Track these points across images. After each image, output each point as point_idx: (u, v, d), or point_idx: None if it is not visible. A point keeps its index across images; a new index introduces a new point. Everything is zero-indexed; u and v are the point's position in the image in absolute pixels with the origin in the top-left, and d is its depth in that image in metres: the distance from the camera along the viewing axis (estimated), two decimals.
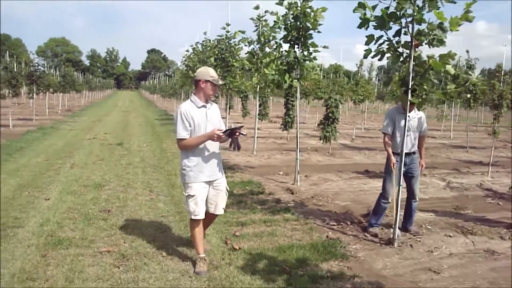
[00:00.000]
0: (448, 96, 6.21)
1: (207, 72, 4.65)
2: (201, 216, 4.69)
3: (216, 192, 4.81)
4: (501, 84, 11.78)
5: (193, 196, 4.62)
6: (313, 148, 15.04)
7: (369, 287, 4.45)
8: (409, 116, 5.90)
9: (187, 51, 18.99)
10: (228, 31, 15.10)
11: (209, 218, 4.98)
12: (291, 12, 8.52)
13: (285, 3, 8.60)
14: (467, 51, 15.48)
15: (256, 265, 4.82)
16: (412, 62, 5.44)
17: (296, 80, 8.63)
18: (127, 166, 10.34)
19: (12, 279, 4.20)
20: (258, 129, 18.98)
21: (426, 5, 5.25)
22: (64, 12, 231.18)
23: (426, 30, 5.28)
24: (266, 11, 10.49)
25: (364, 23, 5.39)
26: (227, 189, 4.93)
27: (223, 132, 4.48)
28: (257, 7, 10.75)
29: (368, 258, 5.31)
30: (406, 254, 5.52)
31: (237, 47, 14.08)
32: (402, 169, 5.79)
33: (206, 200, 4.78)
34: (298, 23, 8.42)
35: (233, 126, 4.70)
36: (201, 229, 4.79)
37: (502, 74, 12.19)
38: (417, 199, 6.41)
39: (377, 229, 6.24)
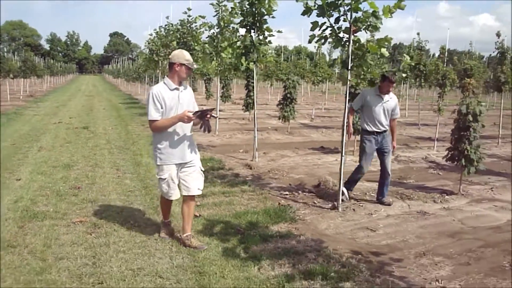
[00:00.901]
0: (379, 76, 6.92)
1: (183, 56, 4.68)
2: (175, 197, 4.90)
3: (188, 173, 4.83)
4: (445, 65, 12.68)
5: (164, 179, 4.77)
6: (274, 127, 15.73)
7: (312, 243, 5.14)
8: (383, 99, 6.71)
9: (150, 35, 19.27)
10: (189, 16, 15.53)
11: (187, 202, 4.91)
12: None
13: None
14: (418, 34, 16.39)
15: (214, 228, 5.45)
16: (351, 46, 6.11)
17: (252, 63, 9.21)
18: (94, 148, 10.76)
19: None
20: (221, 110, 19.58)
21: None
22: None
23: (362, 18, 5.95)
24: None
25: (307, 11, 6.03)
26: (201, 169, 4.98)
27: (194, 114, 4.54)
28: None
29: (314, 220, 6.01)
30: (348, 216, 6.25)
31: (198, 31, 14.54)
32: (374, 146, 6.78)
33: (180, 182, 4.88)
34: (254, 9, 8.97)
35: (204, 108, 4.75)
36: (170, 202, 5.11)
37: (446, 55, 13.07)
38: (390, 174, 6.96)
39: (348, 193, 6.98)
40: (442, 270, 4.65)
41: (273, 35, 9.34)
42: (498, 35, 12.28)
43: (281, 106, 13.69)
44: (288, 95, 13.42)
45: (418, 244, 5.33)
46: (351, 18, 5.98)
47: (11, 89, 29.36)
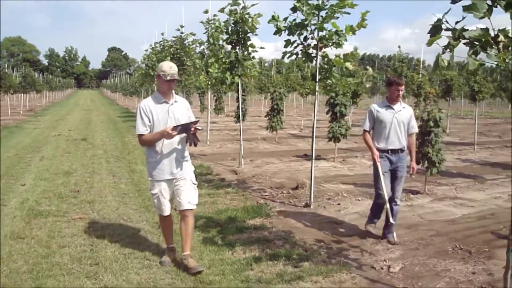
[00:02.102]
0: (349, 86, 7.72)
1: (160, 67, 4.60)
2: (167, 213, 4.81)
3: (179, 187, 4.69)
4: (420, 76, 13.53)
5: (155, 194, 4.74)
6: (263, 137, 16.52)
7: (282, 234, 5.89)
8: (393, 109, 5.68)
9: (146, 50, 20.15)
10: (182, 33, 16.39)
11: (184, 218, 4.72)
12: (232, 18, 9.89)
13: (227, 10, 9.94)
14: (399, 47, 17.27)
15: (197, 223, 6.18)
16: (318, 61, 6.92)
17: (237, 77, 10.02)
18: (92, 157, 11.52)
19: (5, 238, 5.44)
20: (214, 122, 20.35)
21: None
22: (19, 11, 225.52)
23: (327, 36, 6.77)
24: (214, 15, 11.80)
25: (278, 31, 6.85)
26: (193, 182, 4.81)
27: (174, 128, 4.39)
28: (206, 11, 12.05)
29: (287, 216, 6.77)
30: (318, 213, 7.01)
31: (190, 47, 15.40)
32: (390, 167, 5.73)
33: (172, 197, 4.81)
34: (238, 27, 9.80)
35: (185, 122, 4.61)
36: (169, 223, 4.95)
37: (421, 67, 13.91)
38: (399, 203, 5.92)
39: (373, 226, 6.12)
40: (392, 254, 5.40)
41: (256, 51, 10.16)
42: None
43: (269, 117, 14.49)
44: (275, 106, 14.25)
45: (377, 235, 6.07)
46: (317, 36, 6.80)
47: (11, 104, 30.17)
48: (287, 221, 6.51)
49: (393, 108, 5.70)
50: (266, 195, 7.97)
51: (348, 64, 7.02)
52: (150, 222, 6.17)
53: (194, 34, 12.95)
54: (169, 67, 4.58)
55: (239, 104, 10.98)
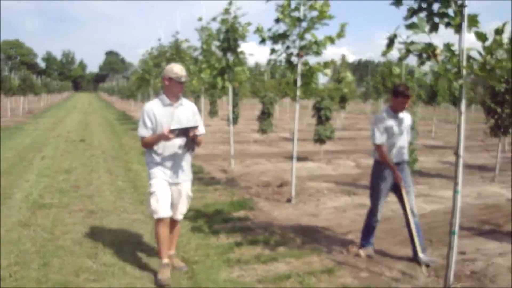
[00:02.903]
0: (328, 91, 8.38)
1: (171, 69, 4.50)
2: (163, 214, 4.50)
3: (177, 195, 4.68)
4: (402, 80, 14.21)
5: (153, 192, 4.53)
6: (255, 140, 17.18)
7: (263, 224, 6.54)
8: (398, 119, 5.30)
9: (143, 55, 20.85)
10: (177, 39, 17.05)
11: (172, 225, 4.76)
12: (224, 26, 10.55)
13: (218, 19, 10.60)
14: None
15: (186, 215, 6.79)
16: (299, 68, 7.58)
17: (228, 82, 10.67)
18: (90, 157, 12.15)
19: (14, 225, 6.06)
20: (209, 125, 20.96)
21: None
22: (16, 14, 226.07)
23: (307, 45, 7.44)
24: (208, 23, 12.45)
25: (263, 41, 7.52)
26: (189, 195, 4.83)
27: (171, 131, 4.26)
28: (200, 19, 12.71)
29: (269, 209, 7.41)
30: (299, 207, 7.65)
31: (185, 52, 16.06)
32: (391, 182, 5.41)
33: None
34: (229, 35, 10.46)
35: (184, 126, 4.46)
36: (166, 232, 4.60)
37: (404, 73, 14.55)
38: (417, 213, 5.56)
39: (370, 249, 5.54)
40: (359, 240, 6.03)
41: (246, 58, 10.84)
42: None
43: (260, 120, 15.15)
44: (266, 110, 14.91)
45: (349, 226, 6.71)
46: (298, 45, 7.46)
47: (11, 107, 30.75)
48: (269, 214, 7.15)
49: (397, 118, 5.31)
50: (253, 192, 8.60)
51: (327, 71, 7.69)
52: (144, 213, 6.78)
53: (188, 41, 13.61)
54: (180, 69, 4.52)
55: (230, 108, 11.61)
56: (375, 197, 5.58)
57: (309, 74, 7.74)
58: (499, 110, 10.18)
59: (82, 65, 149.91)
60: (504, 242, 6.14)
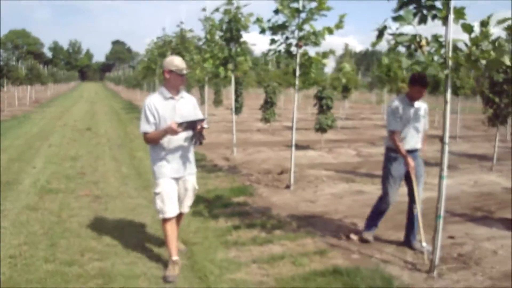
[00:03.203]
0: (329, 80, 8.56)
1: (171, 61, 4.41)
2: (169, 214, 4.48)
3: (184, 190, 4.64)
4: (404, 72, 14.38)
5: (158, 193, 4.47)
6: (258, 129, 17.41)
7: (261, 209, 6.78)
8: (414, 107, 5.32)
9: (149, 44, 21.09)
10: (182, 28, 17.25)
11: (177, 218, 4.70)
12: (226, 17, 10.74)
13: (221, 9, 10.79)
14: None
15: None
16: (298, 58, 7.77)
17: (230, 72, 10.88)
18: (96, 145, 12.44)
19: (23, 208, 6.34)
20: (214, 115, 21.22)
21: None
22: (23, 3, 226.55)
23: (306, 36, 7.62)
24: (212, 12, 12.63)
25: (263, 31, 7.71)
26: (195, 188, 4.80)
27: (179, 125, 4.20)
28: (204, 9, 12.90)
29: (268, 195, 7.65)
30: (297, 193, 7.88)
31: (189, 42, 16.27)
32: (403, 170, 5.42)
33: None
34: (232, 26, 10.65)
35: (190, 119, 4.41)
36: (174, 229, 4.58)
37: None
38: (421, 204, 5.51)
39: (371, 233, 5.70)
40: (355, 226, 6.26)
41: (249, 48, 11.03)
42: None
43: (263, 109, 15.37)
44: (269, 99, 15.12)
45: (345, 211, 6.93)
46: (297, 36, 7.65)
47: (18, 96, 31.13)
48: (268, 199, 7.39)
49: (413, 106, 5.32)
50: (253, 179, 8.84)
51: (325, 61, 7.87)
52: (147, 198, 7.03)
53: (192, 31, 13.81)
54: (181, 61, 4.44)
55: (232, 97, 11.84)
56: (386, 184, 5.56)
57: (308, 64, 7.93)
58: (497, 100, 10.32)
59: (89, 55, 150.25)
60: (493, 228, 6.35)
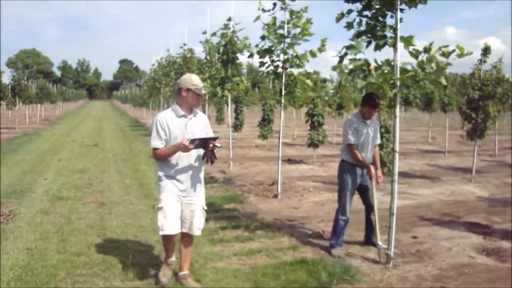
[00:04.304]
0: (309, 99, 9.39)
1: (190, 80, 4.34)
2: (169, 231, 4.37)
3: (190, 210, 4.45)
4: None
5: (161, 208, 4.36)
6: (256, 145, 18.26)
7: (248, 214, 7.58)
8: (367, 124, 5.84)
9: (153, 65, 22.12)
10: (185, 50, 18.23)
11: (186, 240, 4.61)
12: (223, 40, 11.65)
13: (218, 33, 11.71)
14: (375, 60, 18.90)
15: None
16: (283, 79, 8.63)
17: (227, 91, 11.76)
18: (102, 159, 13.32)
19: (37, 212, 7.17)
20: (215, 132, 22.07)
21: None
22: (34, 23, 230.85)
23: (290, 58, 8.49)
24: (210, 36, 13.57)
25: (251, 55, 8.61)
26: (203, 208, 4.59)
27: (191, 142, 4.12)
28: (204, 32, 13.86)
29: (257, 203, 8.45)
30: (284, 201, 8.67)
31: (191, 63, 17.23)
32: (357, 181, 5.91)
33: (180, 217, 4.47)
34: (228, 48, 11.56)
35: (204, 137, 4.38)
36: (174, 240, 4.66)
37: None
38: (375, 210, 5.93)
39: (339, 250, 5.88)
40: (329, 227, 7.01)
41: (244, 69, 11.93)
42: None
43: (260, 126, 16.22)
44: (266, 116, 15.98)
45: (324, 216, 7.69)
46: (282, 59, 8.52)
47: (28, 114, 32.26)
48: (256, 206, 8.19)
49: (366, 123, 5.84)
50: (245, 189, 9.64)
51: (308, 81, 8.73)
52: (148, 205, 7.83)
53: (192, 52, 14.76)
54: (199, 80, 4.41)
55: (229, 115, 12.70)
56: (343, 196, 5.94)
57: (293, 84, 8.79)
58: (474, 115, 11.11)
59: (97, 74, 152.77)
60: (456, 230, 7.11)
